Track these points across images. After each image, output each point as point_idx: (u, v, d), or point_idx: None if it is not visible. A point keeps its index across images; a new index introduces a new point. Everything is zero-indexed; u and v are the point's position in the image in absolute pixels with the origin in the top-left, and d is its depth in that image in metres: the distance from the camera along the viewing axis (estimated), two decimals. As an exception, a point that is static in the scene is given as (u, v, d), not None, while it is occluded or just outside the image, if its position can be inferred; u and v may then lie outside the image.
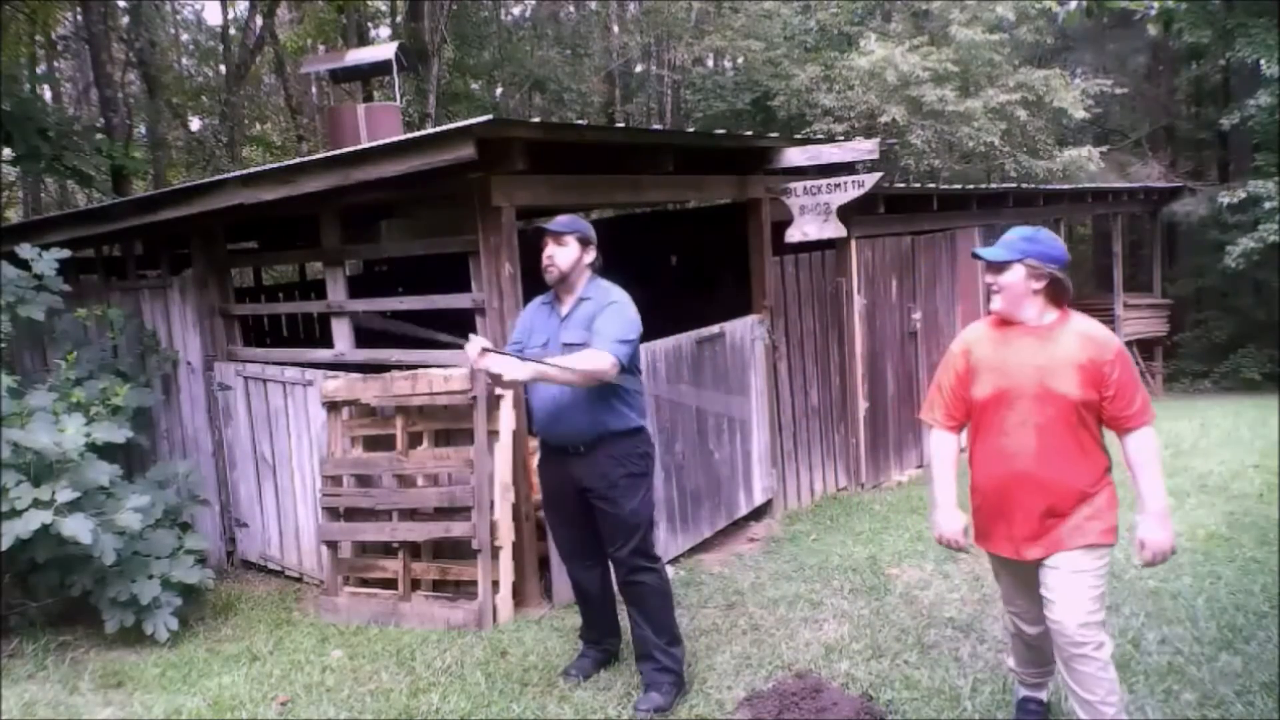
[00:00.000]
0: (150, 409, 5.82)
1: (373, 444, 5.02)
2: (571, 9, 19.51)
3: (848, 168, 6.32)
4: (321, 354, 5.60)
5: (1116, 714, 2.72)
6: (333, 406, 5.01)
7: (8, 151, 8.89)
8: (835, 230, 6.17)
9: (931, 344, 8.13)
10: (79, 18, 13.08)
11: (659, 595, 3.53)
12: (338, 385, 4.99)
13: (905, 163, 13.57)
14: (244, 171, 5.10)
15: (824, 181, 6.14)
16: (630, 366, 3.41)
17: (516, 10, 19.01)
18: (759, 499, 6.20)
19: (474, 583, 4.47)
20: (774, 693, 3.43)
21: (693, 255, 9.74)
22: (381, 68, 9.65)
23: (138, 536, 4.53)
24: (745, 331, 6.07)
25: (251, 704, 3.70)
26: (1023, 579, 2.89)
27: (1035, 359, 2.74)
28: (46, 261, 5.09)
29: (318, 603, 4.91)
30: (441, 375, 4.63)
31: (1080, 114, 13.70)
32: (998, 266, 2.79)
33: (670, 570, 4.70)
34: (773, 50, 15.59)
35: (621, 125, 12.25)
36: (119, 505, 4.42)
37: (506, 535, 4.48)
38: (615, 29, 18.77)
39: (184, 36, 18.39)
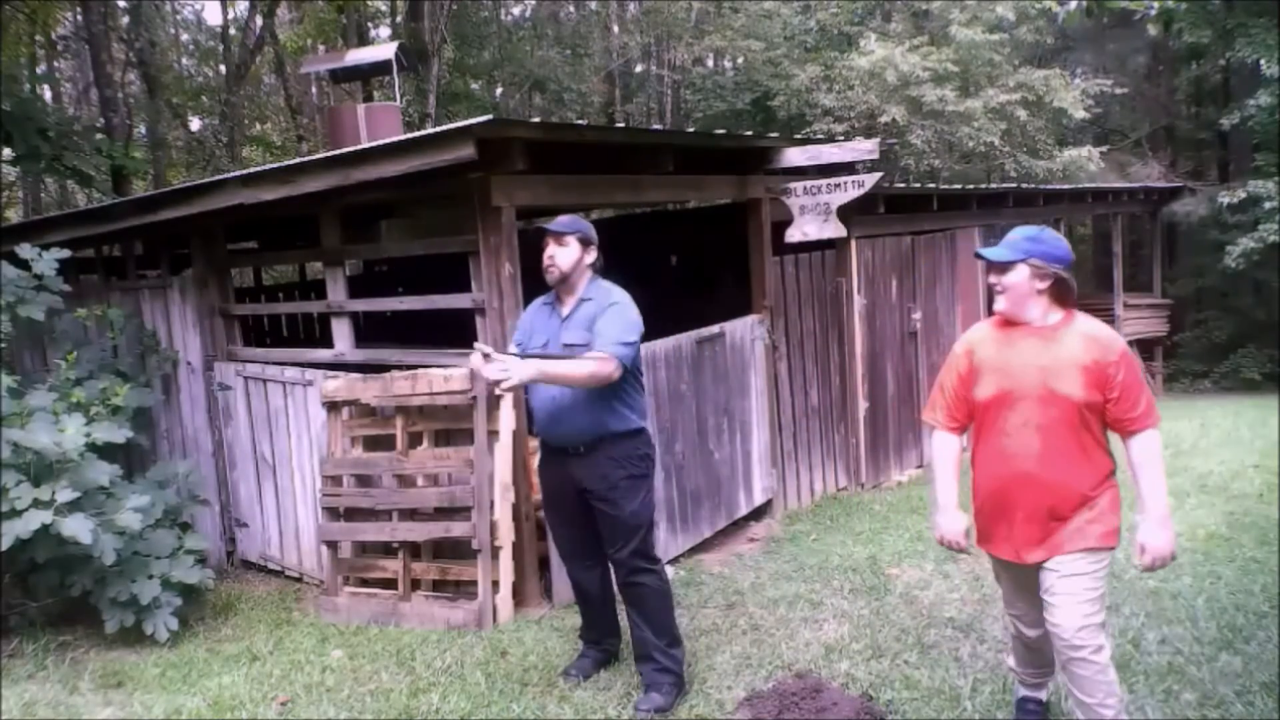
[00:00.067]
0: (150, 409, 5.82)
1: (373, 444, 5.02)
2: (571, 9, 19.52)
3: (848, 168, 6.32)
4: (321, 354, 5.60)
5: (1116, 714, 2.71)
6: (333, 406, 5.01)
7: (8, 151, 8.89)
8: (835, 230, 6.17)
9: (931, 344, 8.13)
10: (79, 18, 13.09)
11: (659, 597, 3.53)
12: (338, 385, 4.99)
13: (905, 163, 13.57)
14: (244, 171, 5.10)
15: (824, 181, 6.14)
16: (632, 368, 3.41)
17: (516, 10, 19.02)
18: (759, 499, 6.20)
19: (474, 583, 4.47)
20: (774, 693, 3.43)
21: (693, 255, 9.74)
22: (381, 68, 9.65)
23: (138, 536, 4.53)
24: (745, 331, 6.07)
25: (251, 704, 3.70)
26: (1023, 582, 2.88)
27: (1039, 360, 2.71)
28: (46, 261, 5.09)
29: (318, 603, 4.91)
30: (441, 375, 4.63)
31: (1080, 114, 13.70)
32: (1001, 267, 2.76)
33: (670, 570, 4.70)
34: (773, 50, 15.59)
35: (621, 125, 12.26)
36: (119, 505, 4.42)
37: (506, 535, 4.48)
38: (615, 29, 18.77)
39: (184, 36, 18.40)
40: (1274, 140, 12.29)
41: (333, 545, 4.89)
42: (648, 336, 3.71)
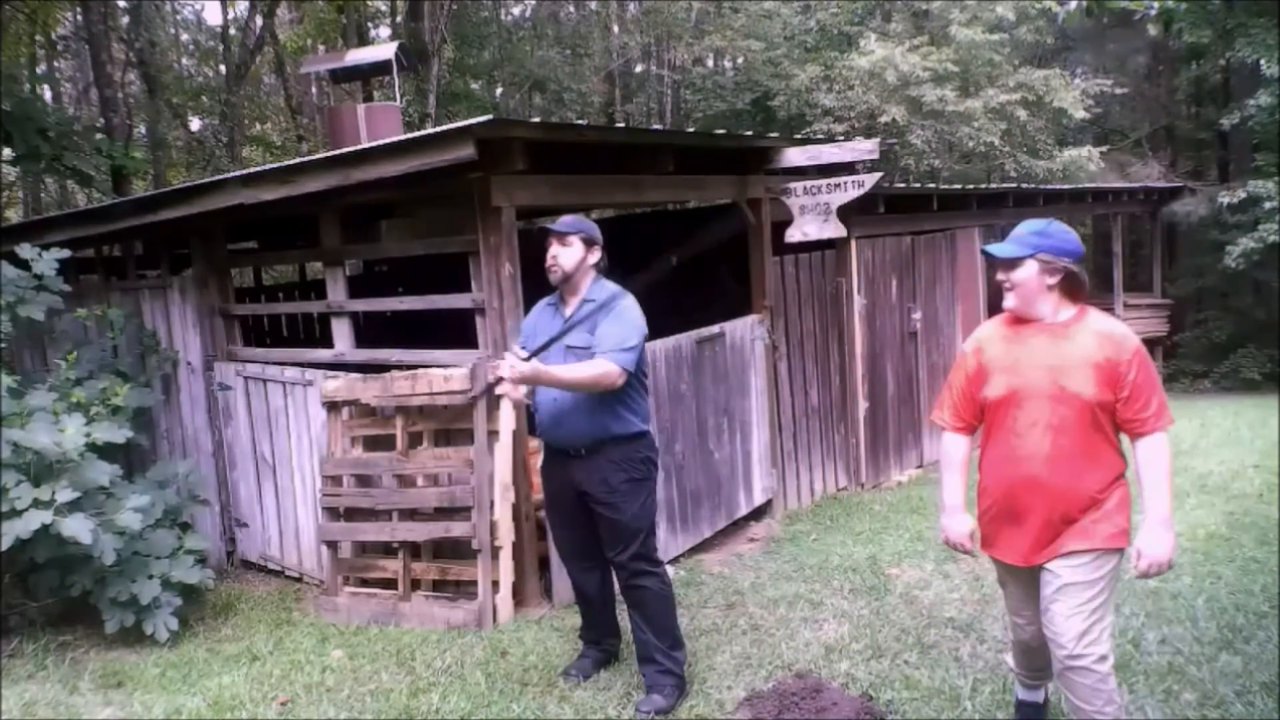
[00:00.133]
0: (150, 409, 5.82)
1: (373, 444, 5.02)
2: (571, 9, 19.52)
3: (848, 168, 6.32)
4: (321, 354, 5.60)
5: (1115, 714, 2.66)
6: (333, 406, 5.01)
7: (8, 151, 8.88)
8: (835, 230, 6.18)
9: (931, 344, 8.13)
10: (79, 18, 13.08)
11: (661, 600, 3.52)
12: (338, 385, 4.99)
13: (905, 163, 13.57)
14: (244, 171, 5.10)
15: (824, 181, 6.14)
16: (635, 371, 3.38)
17: (516, 10, 19.01)
18: (759, 499, 6.20)
19: (474, 583, 4.47)
20: (774, 693, 3.44)
21: (692, 255, 9.73)
22: (381, 68, 9.64)
23: (138, 536, 4.53)
24: (745, 331, 6.07)
25: (251, 704, 3.70)
26: (1029, 586, 2.79)
27: (1048, 358, 2.62)
28: (46, 261, 5.09)
29: (318, 603, 4.91)
30: (441, 375, 4.62)
31: (1080, 114, 13.70)
32: (1009, 263, 2.67)
33: (670, 570, 4.69)
34: (773, 50, 15.59)
35: (621, 125, 12.25)
36: (119, 505, 4.42)
37: (506, 535, 4.48)
38: (615, 29, 18.77)
39: (184, 36, 18.39)
40: (1274, 140, 12.28)
41: (333, 545, 4.89)
42: (648, 337, 3.71)
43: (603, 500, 3.43)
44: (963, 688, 3.43)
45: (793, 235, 6.28)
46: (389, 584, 4.82)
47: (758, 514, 6.23)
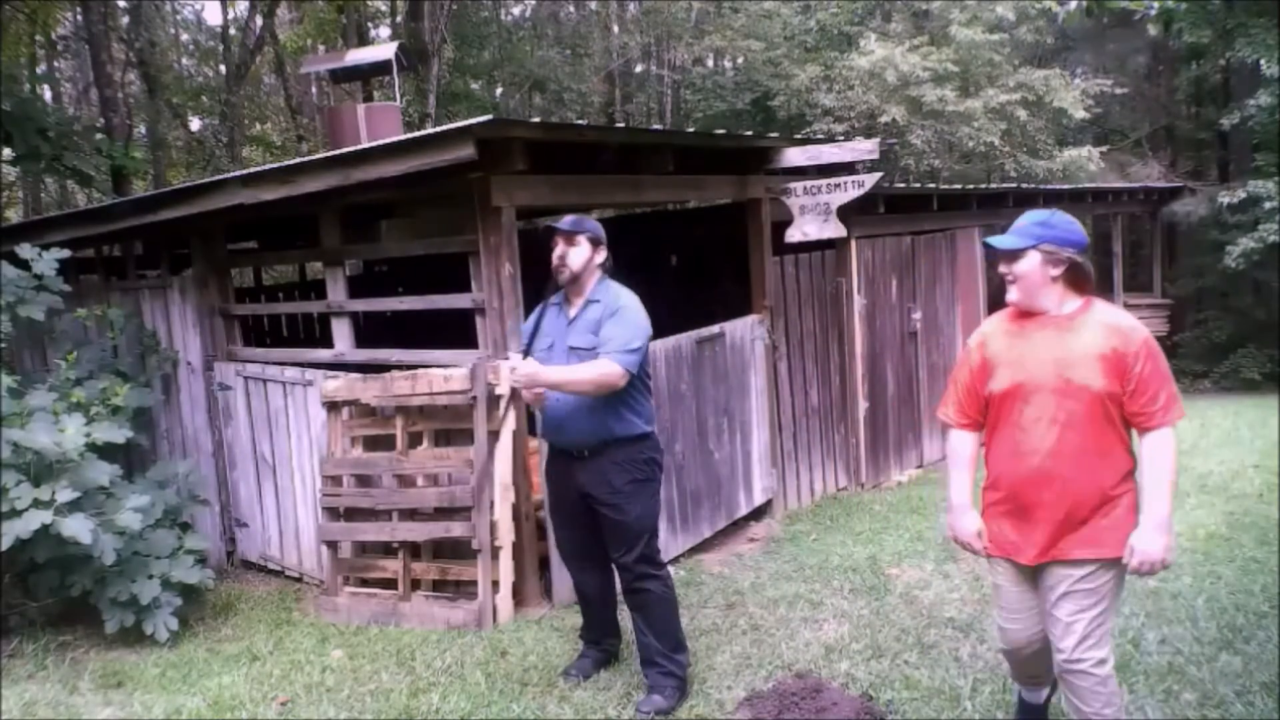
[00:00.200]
0: (150, 409, 5.82)
1: (373, 444, 5.02)
2: (571, 9, 19.52)
3: (848, 168, 6.32)
4: (321, 354, 5.60)
5: (1115, 714, 2.64)
6: (333, 406, 5.01)
7: (8, 151, 8.88)
8: (835, 230, 6.18)
9: (931, 344, 8.13)
10: (79, 18, 13.09)
11: (664, 603, 3.51)
12: (338, 385, 4.99)
13: (905, 163, 13.57)
14: (244, 171, 5.10)
15: (824, 181, 6.14)
16: (639, 373, 3.37)
17: (516, 10, 19.01)
18: (759, 499, 6.20)
19: (474, 583, 4.47)
20: (774, 693, 3.44)
21: (693, 255, 9.73)
22: (381, 68, 9.64)
23: (138, 536, 4.53)
24: (745, 331, 6.07)
25: (251, 704, 3.70)
26: (1028, 588, 2.72)
27: (1054, 351, 2.57)
28: (46, 261, 5.09)
29: (318, 603, 4.91)
30: (441, 375, 4.62)
31: (1080, 114, 13.70)
32: (1011, 255, 2.61)
33: (670, 570, 4.69)
34: (773, 50, 15.59)
35: (621, 125, 12.25)
36: (119, 505, 4.42)
37: (506, 535, 4.48)
38: (615, 29, 18.77)
39: (184, 36, 18.39)
40: (1274, 140, 12.28)
41: (333, 545, 4.89)
42: (651, 338, 3.70)
43: (606, 502, 3.42)
44: (963, 688, 3.43)
45: (793, 235, 6.28)
46: (389, 584, 4.82)
47: (758, 514, 6.23)
